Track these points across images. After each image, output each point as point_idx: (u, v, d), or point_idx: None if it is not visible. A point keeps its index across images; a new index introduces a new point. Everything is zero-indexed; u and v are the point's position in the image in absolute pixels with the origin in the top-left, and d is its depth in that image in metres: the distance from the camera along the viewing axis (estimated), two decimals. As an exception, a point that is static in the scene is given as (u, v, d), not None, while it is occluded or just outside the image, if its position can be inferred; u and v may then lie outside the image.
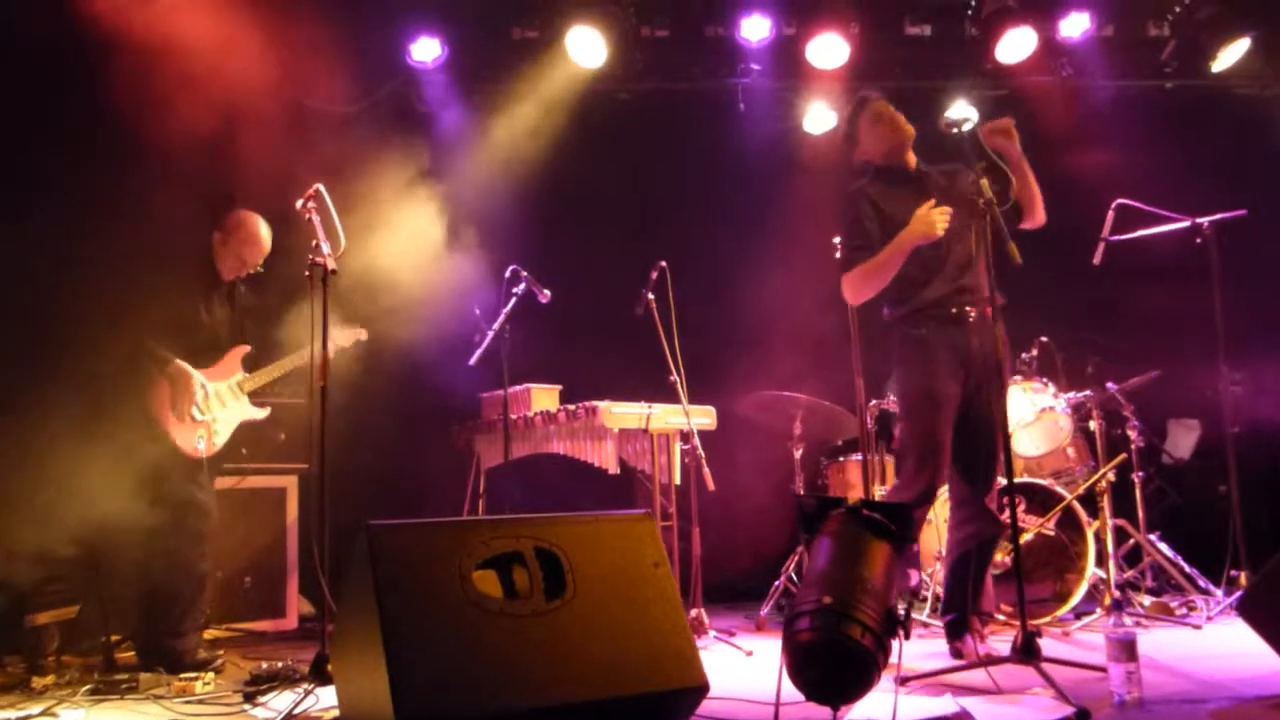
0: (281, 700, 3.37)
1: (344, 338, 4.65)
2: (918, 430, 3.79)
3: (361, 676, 2.53)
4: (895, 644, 2.68)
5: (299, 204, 3.90)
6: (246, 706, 3.37)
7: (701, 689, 2.68)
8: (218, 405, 4.26)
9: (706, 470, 4.45)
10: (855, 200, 3.98)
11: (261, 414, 4.47)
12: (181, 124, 4.37)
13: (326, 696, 3.20)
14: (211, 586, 4.44)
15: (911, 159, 4.00)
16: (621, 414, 4.59)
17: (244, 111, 4.53)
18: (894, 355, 3.93)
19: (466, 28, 5.94)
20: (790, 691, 2.70)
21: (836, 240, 4.27)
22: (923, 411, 3.78)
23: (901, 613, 2.68)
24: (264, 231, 4.34)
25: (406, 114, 5.97)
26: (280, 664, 3.75)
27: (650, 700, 2.58)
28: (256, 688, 3.52)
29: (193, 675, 3.69)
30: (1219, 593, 4.79)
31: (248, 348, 4.43)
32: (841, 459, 5.65)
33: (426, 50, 5.80)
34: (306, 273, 3.68)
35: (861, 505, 2.86)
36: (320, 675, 3.30)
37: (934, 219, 3.68)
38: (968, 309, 3.79)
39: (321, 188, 3.82)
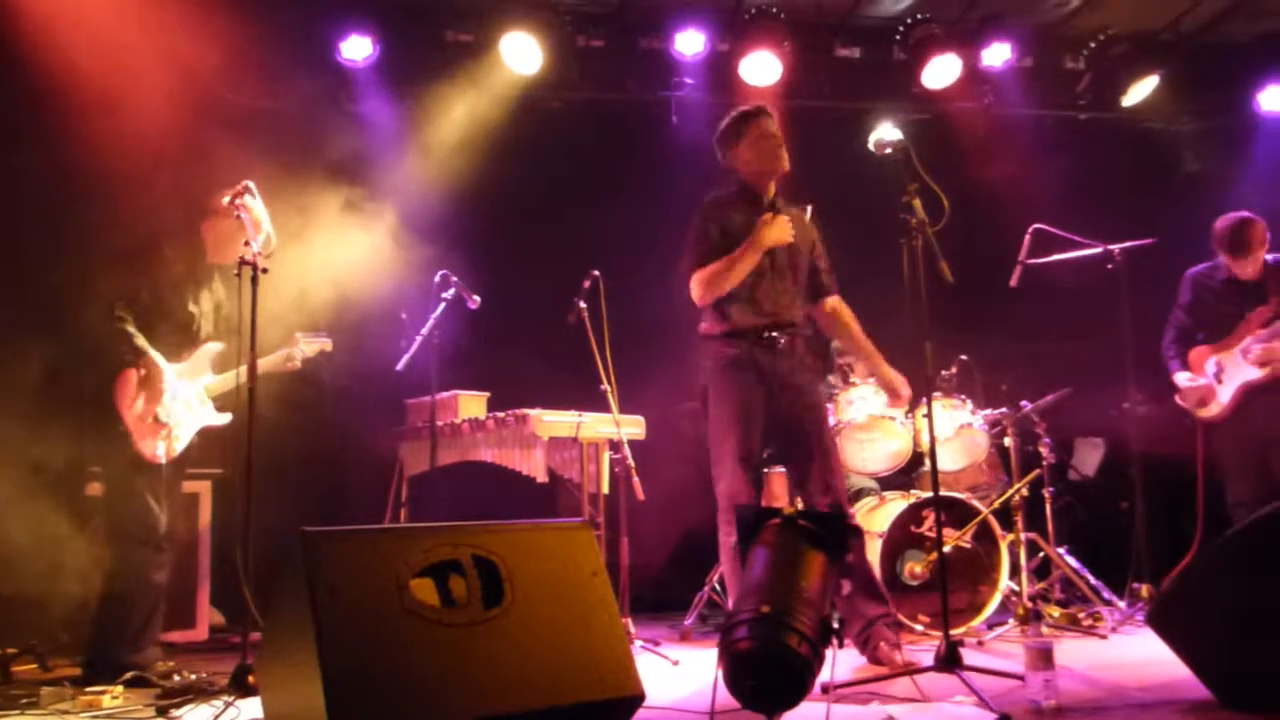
0: (198, 714, 3.25)
1: (309, 346, 4.42)
2: (729, 446, 3.90)
3: (292, 687, 2.47)
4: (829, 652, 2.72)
5: (226, 200, 3.80)
6: (160, 720, 3.25)
7: (637, 698, 2.68)
8: (183, 409, 4.01)
9: (636, 480, 4.46)
10: (708, 214, 4.10)
11: (223, 420, 4.19)
12: (99, 114, 4.25)
13: (249, 709, 3.10)
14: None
15: (772, 189, 4.13)
16: (552, 422, 4.58)
17: (163, 102, 4.41)
18: (705, 373, 4.06)
19: (399, 28, 5.87)
20: (723, 699, 2.72)
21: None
22: (734, 425, 3.90)
23: (836, 622, 2.73)
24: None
25: (335, 112, 5.85)
26: (194, 676, 3.63)
27: (587, 710, 2.57)
28: (170, 701, 3.38)
29: (101, 689, 3.52)
30: (1122, 604, 4.98)
31: (219, 345, 4.17)
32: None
33: (357, 49, 5.72)
34: (236, 272, 3.56)
35: (798, 515, 2.90)
36: (241, 687, 3.19)
37: (784, 225, 3.95)
38: (776, 335, 3.99)
39: (251, 184, 3.72)
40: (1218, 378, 4.85)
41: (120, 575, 3.83)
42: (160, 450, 3.93)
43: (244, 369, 4.00)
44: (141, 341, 3.86)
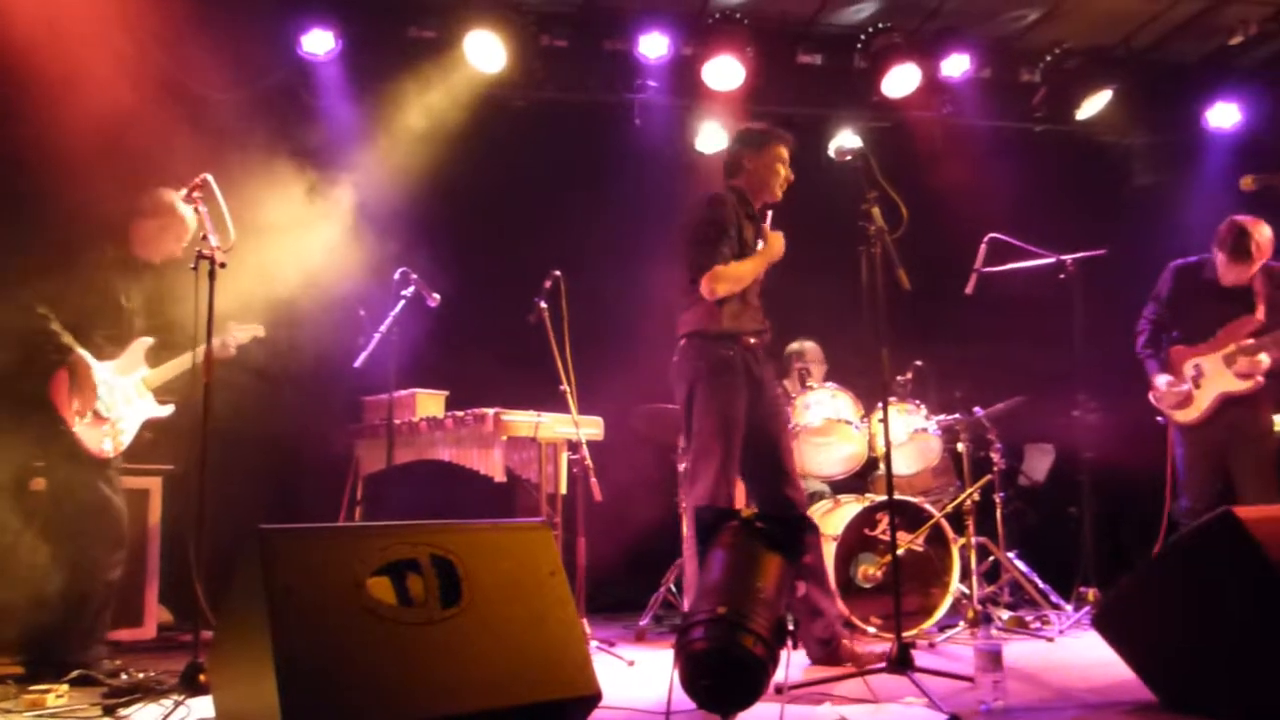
0: (146, 713, 3.20)
1: (242, 333, 4.41)
2: (717, 446, 3.94)
3: (246, 686, 2.44)
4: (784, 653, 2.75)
5: (184, 193, 3.75)
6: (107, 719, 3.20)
7: (594, 698, 2.69)
8: (123, 403, 4.00)
9: (594, 481, 4.47)
10: (723, 201, 4.12)
11: (166, 411, 4.22)
12: (56, 104, 4.17)
13: (199, 708, 3.06)
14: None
15: (767, 214, 4.26)
16: (511, 422, 4.57)
17: (122, 94, 4.34)
18: (692, 373, 4.06)
19: (361, 23, 5.82)
20: (679, 700, 2.74)
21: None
22: (724, 428, 3.95)
23: (790, 624, 2.76)
24: (191, 212, 4.07)
25: (296, 106, 5.79)
26: (142, 675, 3.58)
27: (544, 709, 2.57)
28: (117, 700, 3.32)
29: (45, 687, 3.45)
30: (1069, 608, 5.07)
31: (150, 340, 4.16)
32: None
33: (319, 42, 5.65)
34: (193, 266, 3.52)
35: (755, 518, 2.93)
36: (192, 685, 3.15)
37: (780, 244, 4.11)
38: (758, 341, 4.13)
39: (210, 177, 3.68)
40: (1196, 381, 4.76)
41: (75, 573, 3.77)
42: (107, 445, 3.93)
43: (183, 359, 4.11)
44: (68, 339, 3.84)
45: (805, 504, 4.20)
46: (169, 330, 4.17)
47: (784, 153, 4.20)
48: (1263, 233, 4.64)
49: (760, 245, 4.12)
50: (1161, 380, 4.88)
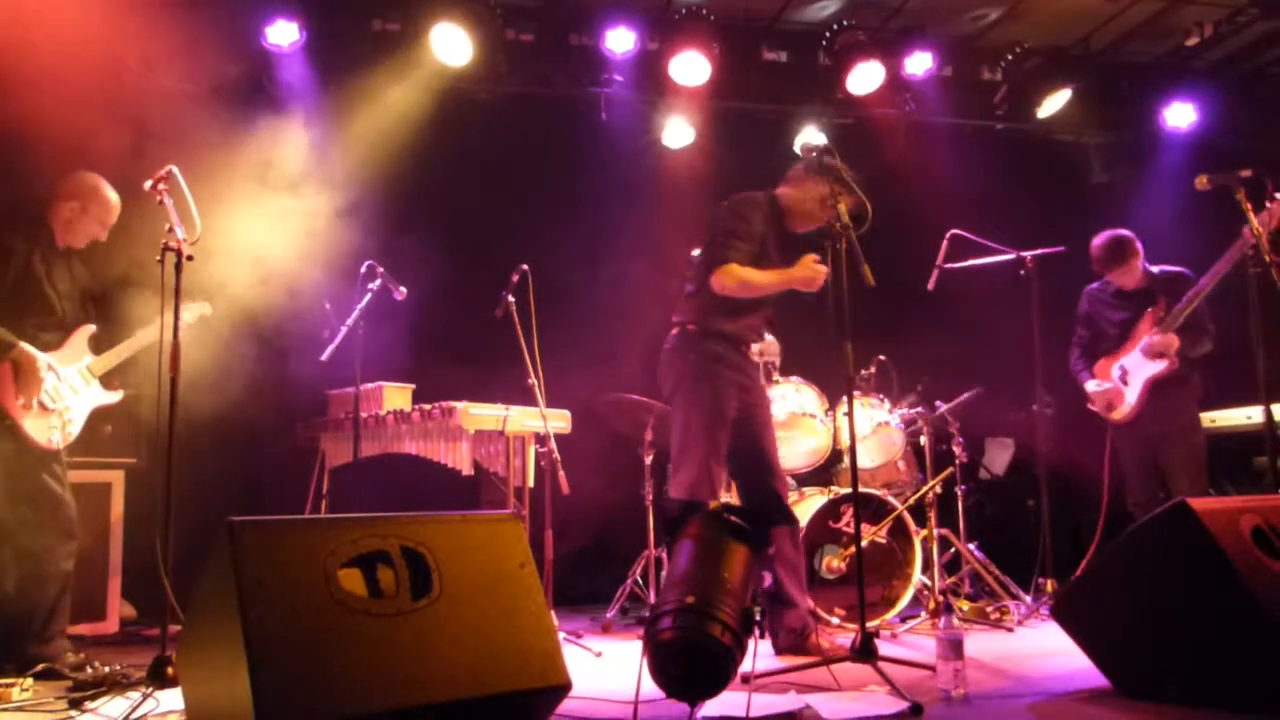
0: (113, 706, 3.19)
1: (188, 314, 4.35)
2: (703, 438, 4.00)
3: (216, 678, 2.44)
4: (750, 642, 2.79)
5: (148, 185, 3.71)
6: (74, 713, 3.17)
7: (564, 687, 2.71)
8: (69, 392, 3.98)
9: (562, 474, 4.49)
10: (759, 205, 4.15)
11: (115, 398, 4.20)
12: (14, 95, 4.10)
13: (168, 700, 3.06)
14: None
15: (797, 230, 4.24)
16: (478, 415, 4.57)
17: (82, 83, 4.28)
18: (683, 363, 4.10)
19: (326, 14, 5.79)
20: (647, 689, 2.77)
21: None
22: (709, 422, 4.00)
23: (757, 614, 2.80)
24: (115, 195, 4.09)
25: (259, 98, 5.74)
26: (107, 668, 3.55)
27: (514, 699, 2.59)
28: (83, 693, 3.31)
29: (9, 681, 3.43)
30: (1028, 598, 5.17)
31: (93, 327, 4.13)
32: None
33: (283, 34, 5.61)
34: (158, 258, 3.48)
35: (722, 510, 2.97)
36: (160, 678, 3.14)
37: (819, 276, 3.92)
38: (747, 345, 4.21)
39: (175, 169, 3.65)
40: (1123, 380, 5.05)
41: (27, 565, 3.75)
42: (55, 437, 3.90)
43: (130, 343, 4.12)
44: (4, 333, 3.80)
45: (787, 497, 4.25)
46: (109, 316, 4.15)
47: (838, 191, 3.74)
48: (1129, 239, 5.05)
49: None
50: (1091, 385, 5.17)
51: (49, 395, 3.88)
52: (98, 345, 4.16)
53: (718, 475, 3.99)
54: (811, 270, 3.94)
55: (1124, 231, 5.08)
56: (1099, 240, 5.10)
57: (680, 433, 4.03)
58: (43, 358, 3.88)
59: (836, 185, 3.74)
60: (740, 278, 3.98)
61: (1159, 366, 4.89)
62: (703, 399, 4.00)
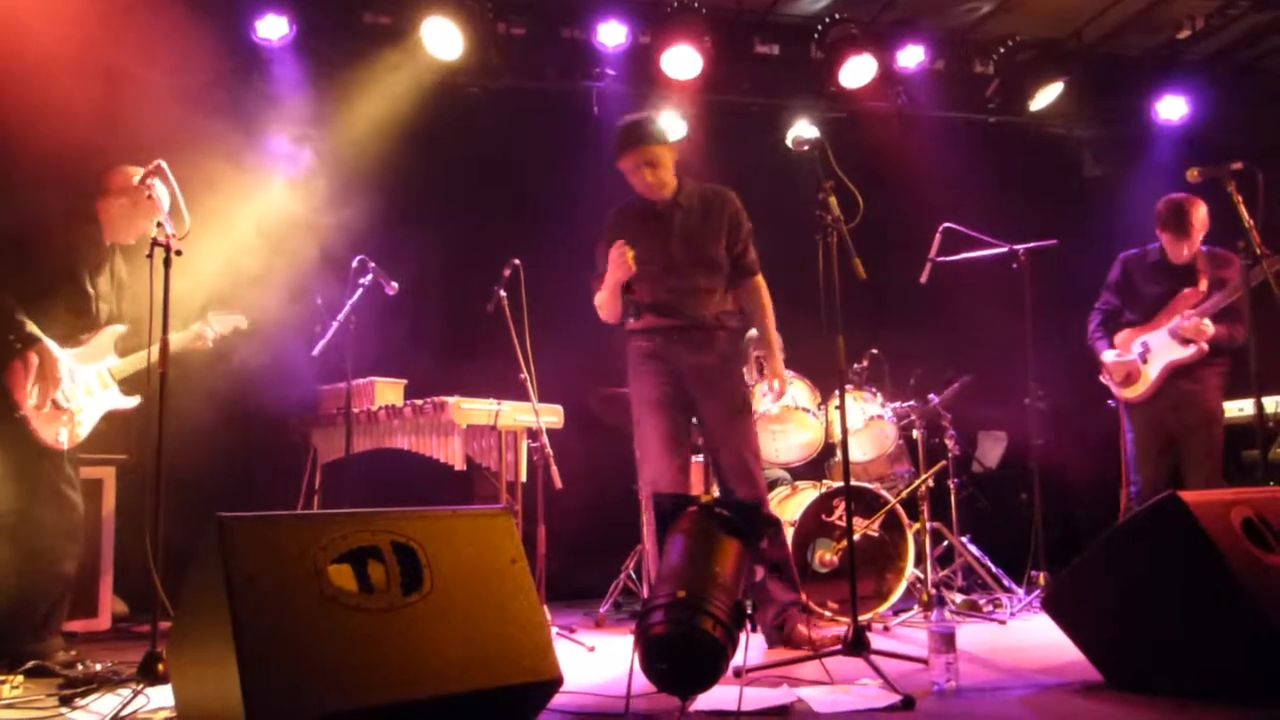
0: (104, 703, 3.17)
1: (221, 324, 4.33)
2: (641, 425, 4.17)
3: (206, 675, 2.44)
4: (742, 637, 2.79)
5: (137, 179, 3.70)
6: (64, 710, 3.15)
7: (555, 682, 2.71)
8: (84, 394, 3.89)
9: (554, 469, 4.48)
10: (604, 229, 4.34)
11: (131, 403, 4.10)
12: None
13: (158, 697, 3.05)
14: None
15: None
16: (471, 410, 4.57)
17: (70, 78, 4.26)
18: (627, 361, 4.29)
19: (316, 8, 5.76)
20: (639, 684, 2.77)
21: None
22: (647, 414, 4.14)
23: (749, 608, 2.80)
24: (165, 190, 4.03)
25: (250, 92, 5.71)
26: (99, 665, 3.54)
27: (505, 694, 2.59)
28: (74, 690, 3.29)
29: (0, 678, 3.42)
30: (1020, 591, 5.17)
31: (123, 328, 4.06)
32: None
33: (273, 28, 5.58)
34: (147, 254, 3.46)
35: (714, 504, 2.97)
36: (150, 675, 3.13)
37: (619, 259, 4.08)
38: (687, 329, 4.18)
39: (164, 163, 3.63)
40: (1143, 358, 4.86)
41: (30, 564, 3.72)
42: (63, 436, 3.84)
43: (153, 350, 3.92)
44: (32, 328, 3.74)
45: (761, 488, 4.22)
46: (139, 319, 4.08)
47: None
48: (1200, 209, 4.76)
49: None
50: (1109, 355, 4.98)
51: (64, 396, 3.80)
52: (126, 347, 4.08)
53: (675, 465, 4.09)
54: (614, 261, 4.10)
55: (1200, 201, 4.73)
56: (1169, 199, 4.79)
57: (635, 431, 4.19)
58: (64, 359, 3.82)
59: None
60: (597, 305, 4.29)
61: (1186, 352, 4.69)
62: (638, 394, 4.20)
